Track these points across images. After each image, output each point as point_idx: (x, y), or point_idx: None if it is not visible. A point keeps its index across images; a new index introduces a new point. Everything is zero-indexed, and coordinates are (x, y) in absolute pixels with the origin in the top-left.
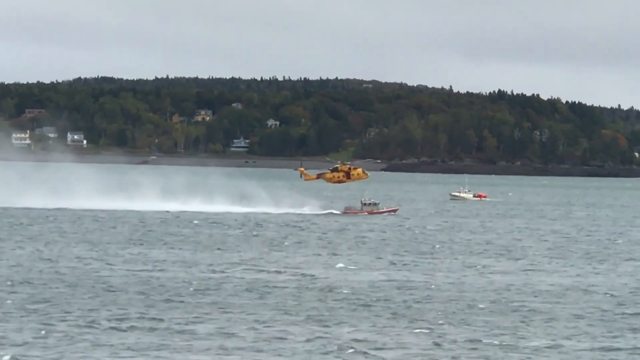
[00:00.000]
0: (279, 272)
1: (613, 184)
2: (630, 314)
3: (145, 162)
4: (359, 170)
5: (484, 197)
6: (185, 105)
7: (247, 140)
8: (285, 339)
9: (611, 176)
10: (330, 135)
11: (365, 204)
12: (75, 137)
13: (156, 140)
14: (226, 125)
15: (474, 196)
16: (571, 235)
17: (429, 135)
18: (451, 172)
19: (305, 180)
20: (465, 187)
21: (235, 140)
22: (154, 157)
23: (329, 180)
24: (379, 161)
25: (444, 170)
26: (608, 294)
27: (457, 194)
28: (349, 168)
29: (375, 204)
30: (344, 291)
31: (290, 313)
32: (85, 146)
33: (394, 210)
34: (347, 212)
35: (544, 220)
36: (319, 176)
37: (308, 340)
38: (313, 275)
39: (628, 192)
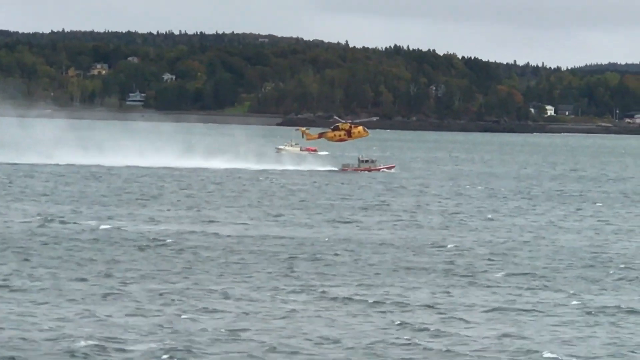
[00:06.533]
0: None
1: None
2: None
3: (41, 116)
4: (360, 128)
5: (314, 150)
6: (81, 59)
7: (143, 94)
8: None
9: (507, 131)
10: (226, 89)
11: (362, 161)
12: None
13: (52, 94)
14: (122, 79)
15: (302, 149)
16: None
17: (325, 90)
18: None
19: (307, 140)
20: (292, 141)
21: (131, 94)
22: (49, 111)
23: (331, 139)
24: (375, 119)
25: None
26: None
27: (282, 147)
28: (350, 126)
29: (372, 161)
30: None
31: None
32: None
33: (391, 167)
34: (344, 169)
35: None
36: (320, 135)
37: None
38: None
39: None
